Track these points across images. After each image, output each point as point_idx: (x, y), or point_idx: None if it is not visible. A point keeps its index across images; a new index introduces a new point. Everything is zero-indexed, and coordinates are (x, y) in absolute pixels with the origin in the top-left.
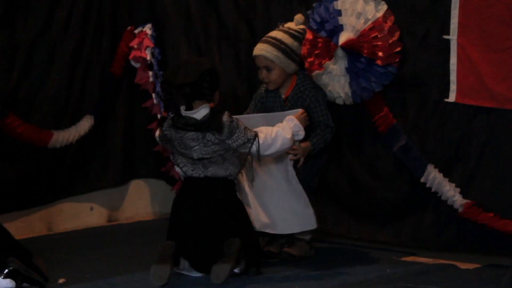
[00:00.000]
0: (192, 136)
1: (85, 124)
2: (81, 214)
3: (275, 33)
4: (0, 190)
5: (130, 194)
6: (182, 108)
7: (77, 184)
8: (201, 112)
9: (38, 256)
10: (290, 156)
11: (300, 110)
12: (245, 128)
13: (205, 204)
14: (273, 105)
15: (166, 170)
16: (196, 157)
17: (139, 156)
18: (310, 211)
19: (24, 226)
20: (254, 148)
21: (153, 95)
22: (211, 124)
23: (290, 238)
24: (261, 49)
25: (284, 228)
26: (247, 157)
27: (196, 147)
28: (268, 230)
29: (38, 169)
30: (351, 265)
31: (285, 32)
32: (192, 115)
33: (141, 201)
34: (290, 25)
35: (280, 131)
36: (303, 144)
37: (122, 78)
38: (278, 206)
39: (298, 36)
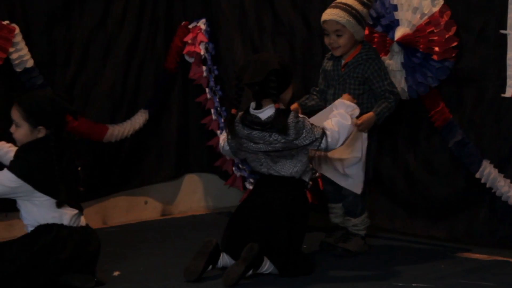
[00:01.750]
0: (258, 134)
1: (140, 118)
2: (136, 208)
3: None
4: None
5: (184, 188)
6: (252, 105)
7: (132, 178)
8: (266, 112)
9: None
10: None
11: (346, 94)
12: (312, 126)
13: (269, 201)
14: (331, 69)
15: (220, 164)
16: (261, 150)
17: (193, 150)
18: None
19: None
20: (322, 146)
21: (207, 90)
22: (274, 125)
23: (345, 233)
24: (332, 13)
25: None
26: (315, 154)
27: (261, 145)
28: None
29: (93, 163)
30: (405, 261)
31: None
32: (258, 114)
33: (194, 195)
34: None
35: (340, 120)
36: (365, 116)
37: (176, 73)
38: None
39: (367, 3)
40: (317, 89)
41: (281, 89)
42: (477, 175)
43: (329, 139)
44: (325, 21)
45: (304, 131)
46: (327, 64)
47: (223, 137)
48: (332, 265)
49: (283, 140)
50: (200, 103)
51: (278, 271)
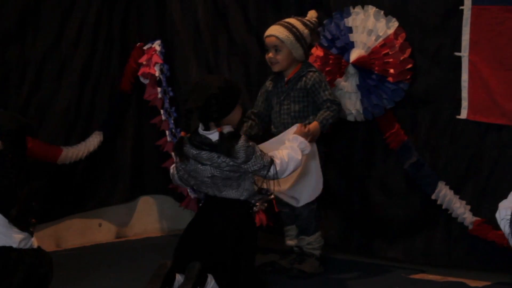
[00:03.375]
0: (207, 155)
1: (94, 140)
2: (90, 230)
3: (288, 19)
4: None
5: (138, 211)
6: (201, 126)
7: (86, 200)
8: (216, 134)
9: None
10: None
11: (298, 125)
12: (262, 153)
13: (215, 224)
14: (273, 88)
15: (175, 186)
16: (208, 175)
17: (148, 172)
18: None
19: None
20: (270, 174)
21: (162, 111)
22: (220, 148)
23: (301, 254)
24: (273, 29)
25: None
26: (262, 182)
27: (208, 166)
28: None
29: (47, 185)
30: (360, 282)
31: (297, 19)
32: (208, 135)
33: (149, 217)
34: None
35: (290, 153)
36: (311, 126)
37: (131, 94)
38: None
39: (309, 25)
40: (255, 111)
41: (224, 112)
42: (433, 197)
43: (277, 168)
44: (266, 37)
45: (254, 156)
46: (270, 85)
47: (173, 165)
48: (286, 286)
49: (231, 163)
50: (155, 124)
51: None
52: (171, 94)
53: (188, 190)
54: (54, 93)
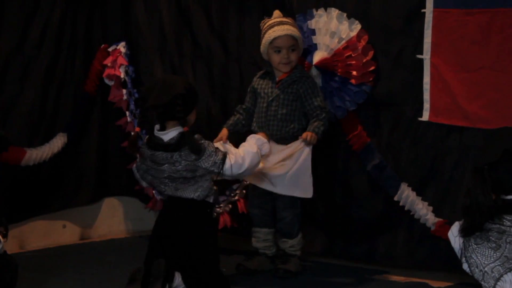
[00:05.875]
0: (161, 155)
1: (58, 141)
2: (54, 232)
3: (283, 17)
4: None
5: (103, 212)
6: (156, 127)
7: (50, 202)
8: (169, 134)
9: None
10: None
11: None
12: (216, 149)
13: (175, 225)
14: (263, 87)
15: (140, 188)
16: (165, 175)
17: (113, 174)
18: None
19: None
20: (225, 169)
21: (127, 113)
22: (183, 145)
23: (284, 255)
24: (286, 29)
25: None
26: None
27: (165, 165)
28: (269, 188)
29: (10, 186)
30: (323, 284)
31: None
32: (161, 136)
33: (114, 219)
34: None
35: (246, 148)
36: (306, 134)
37: (96, 96)
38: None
39: None
40: (244, 107)
41: (186, 112)
42: (396, 198)
43: (232, 161)
44: (279, 37)
45: (206, 152)
46: (258, 83)
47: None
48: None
49: (183, 162)
50: (120, 126)
51: None
52: (136, 95)
53: (154, 192)
54: (18, 95)
